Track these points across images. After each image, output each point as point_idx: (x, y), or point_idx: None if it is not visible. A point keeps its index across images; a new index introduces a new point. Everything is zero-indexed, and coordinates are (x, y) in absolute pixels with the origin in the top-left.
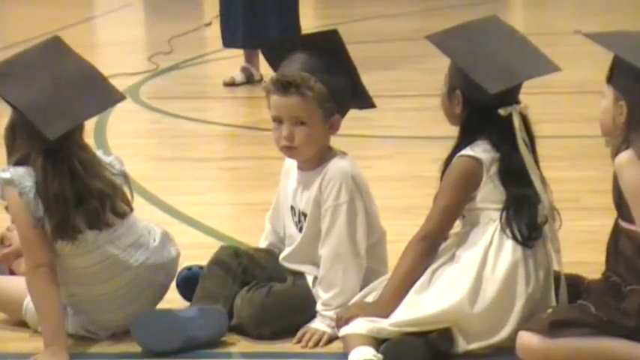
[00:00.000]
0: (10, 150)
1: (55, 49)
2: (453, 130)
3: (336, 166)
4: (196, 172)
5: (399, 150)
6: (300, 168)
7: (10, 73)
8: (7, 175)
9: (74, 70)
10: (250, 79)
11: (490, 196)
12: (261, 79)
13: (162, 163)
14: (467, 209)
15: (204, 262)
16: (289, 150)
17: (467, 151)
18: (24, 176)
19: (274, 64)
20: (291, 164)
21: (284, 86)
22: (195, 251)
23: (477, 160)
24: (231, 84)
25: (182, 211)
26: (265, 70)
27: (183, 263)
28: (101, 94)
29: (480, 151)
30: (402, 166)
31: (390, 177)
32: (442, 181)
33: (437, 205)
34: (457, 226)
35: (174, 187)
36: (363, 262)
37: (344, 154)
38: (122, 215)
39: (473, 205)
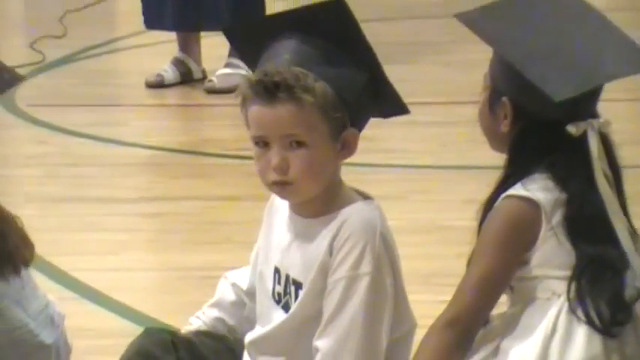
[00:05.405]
0: None
1: None
2: (497, 158)
3: (358, 215)
4: (103, 219)
5: (415, 186)
6: (298, 212)
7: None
8: None
9: None
10: (187, 77)
11: (553, 258)
12: (203, 78)
13: (51, 206)
14: (517, 279)
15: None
16: (283, 187)
17: (518, 190)
18: None
19: (248, 56)
20: (281, 202)
21: (269, 90)
22: (103, 341)
23: (532, 203)
24: (157, 84)
25: (80, 279)
26: (209, 63)
27: None
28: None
29: (538, 189)
30: (420, 212)
31: (401, 228)
32: (480, 234)
33: (472, 272)
34: (502, 304)
35: (68, 244)
36: None
37: (367, 197)
38: (26, 262)
39: (527, 273)
